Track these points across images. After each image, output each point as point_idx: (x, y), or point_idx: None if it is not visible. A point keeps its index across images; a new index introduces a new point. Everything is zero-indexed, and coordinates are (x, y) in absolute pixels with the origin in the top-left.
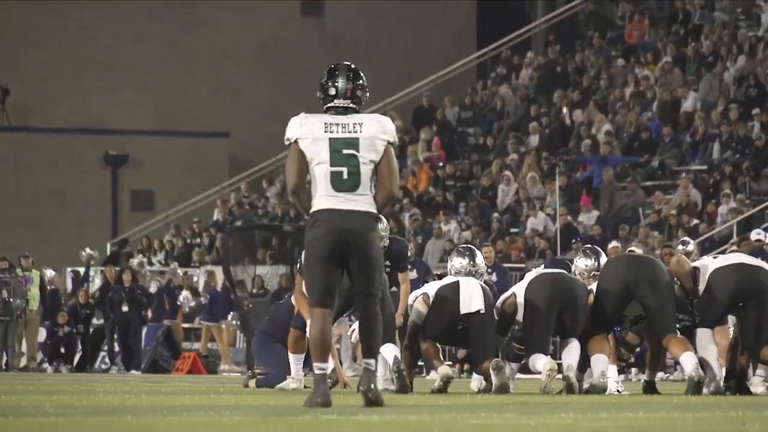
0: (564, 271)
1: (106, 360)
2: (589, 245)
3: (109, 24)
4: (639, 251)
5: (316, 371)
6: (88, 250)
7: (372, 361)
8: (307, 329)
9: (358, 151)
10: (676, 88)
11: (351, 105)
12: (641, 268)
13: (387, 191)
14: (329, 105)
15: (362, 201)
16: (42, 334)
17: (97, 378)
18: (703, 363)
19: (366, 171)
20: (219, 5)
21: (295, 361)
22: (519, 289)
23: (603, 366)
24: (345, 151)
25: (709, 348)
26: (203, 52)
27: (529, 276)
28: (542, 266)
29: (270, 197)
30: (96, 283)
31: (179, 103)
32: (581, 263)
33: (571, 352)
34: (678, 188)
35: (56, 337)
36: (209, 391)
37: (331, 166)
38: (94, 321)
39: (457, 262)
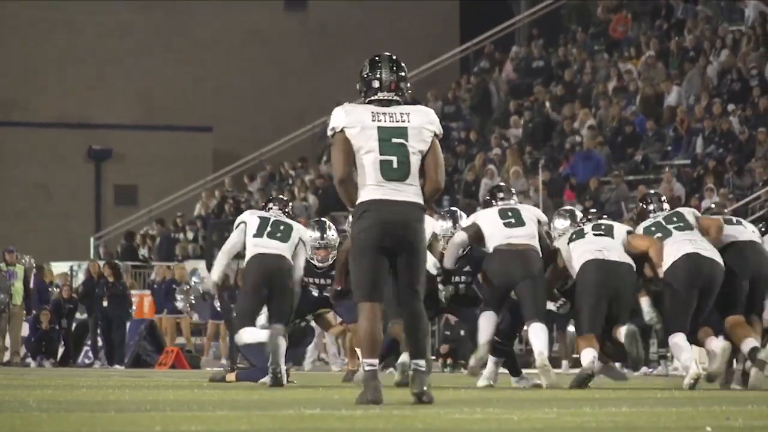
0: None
1: (90, 355)
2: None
3: (94, 17)
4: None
5: (366, 368)
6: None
7: (421, 362)
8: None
9: (407, 141)
10: (659, 83)
11: (395, 98)
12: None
13: (434, 183)
14: (372, 98)
15: (411, 191)
16: (25, 329)
17: (81, 373)
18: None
19: (415, 161)
20: None
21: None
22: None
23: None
24: (394, 140)
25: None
26: (187, 45)
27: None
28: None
29: (253, 191)
30: (79, 278)
31: (163, 97)
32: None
33: (540, 337)
34: (661, 183)
35: (39, 332)
36: (192, 386)
37: (381, 154)
38: (77, 315)
39: (559, 223)
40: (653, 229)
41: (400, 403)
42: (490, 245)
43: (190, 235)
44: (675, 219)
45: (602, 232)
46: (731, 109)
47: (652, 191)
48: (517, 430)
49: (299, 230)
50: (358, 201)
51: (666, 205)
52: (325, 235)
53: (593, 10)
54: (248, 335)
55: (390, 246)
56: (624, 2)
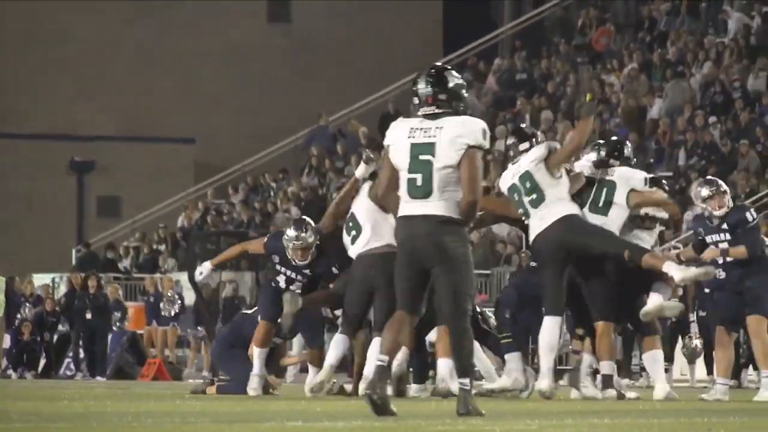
0: None
1: (71, 366)
2: None
3: (78, 30)
4: None
5: (377, 362)
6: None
7: (466, 380)
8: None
9: (433, 156)
10: (641, 96)
11: (436, 111)
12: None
13: (465, 197)
14: (418, 114)
15: (434, 207)
16: (6, 341)
17: (62, 384)
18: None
19: (441, 176)
20: (186, 11)
21: (259, 355)
22: None
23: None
24: (422, 157)
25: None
26: (170, 58)
27: None
28: None
29: (236, 203)
30: (61, 290)
31: (145, 108)
32: None
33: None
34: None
35: (21, 343)
36: (174, 398)
37: (409, 172)
38: (60, 327)
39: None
40: None
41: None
42: None
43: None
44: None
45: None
46: (712, 122)
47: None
48: None
49: None
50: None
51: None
52: (302, 235)
53: (576, 22)
54: None
55: (421, 260)
56: (607, 15)
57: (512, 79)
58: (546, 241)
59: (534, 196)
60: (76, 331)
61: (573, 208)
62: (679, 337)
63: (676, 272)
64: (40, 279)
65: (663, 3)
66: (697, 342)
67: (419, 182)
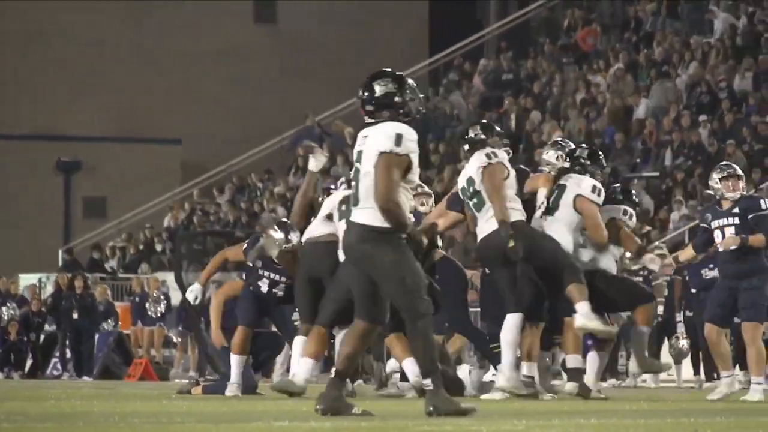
0: None
1: (58, 366)
2: None
3: (65, 30)
4: None
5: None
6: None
7: (428, 381)
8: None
9: (361, 164)
10: (627, 96)
11: (371, 120)
12: None
13: (376, 204)
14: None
15: (360, 214)
16: None
17: (49, 384)
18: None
19: (364, 185)
20: (172, 12)
21: (237, 363)
22: None
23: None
24: (357, 165)
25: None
26: (157, 58)
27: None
28: None
29: (222, 203)
30: (48, 290)
31: (132, 109)
32: None
33: None
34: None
35: (7, 343)
36: (161, 398)
37: (352, 180)
38: (46, 327)
39: None
40: None
41: (378, 414)
42: None
43: (159, 247)
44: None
45: None
46: (702, 119)
47: None
48: None
49: None
50: None
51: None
52: (289, 237)
53: (562, 22)
54: None
55: (360, 268)
56: (593, 16)
57: (498, 80)
58: (488, 246)
59: (476, 200)
60: (63, 331)
61: (514, 215)
62: (666, 338)
63: (580, 317)
64: (27, 279)
65: (648, 3)
66: (684, 342)
67: (354, 190)
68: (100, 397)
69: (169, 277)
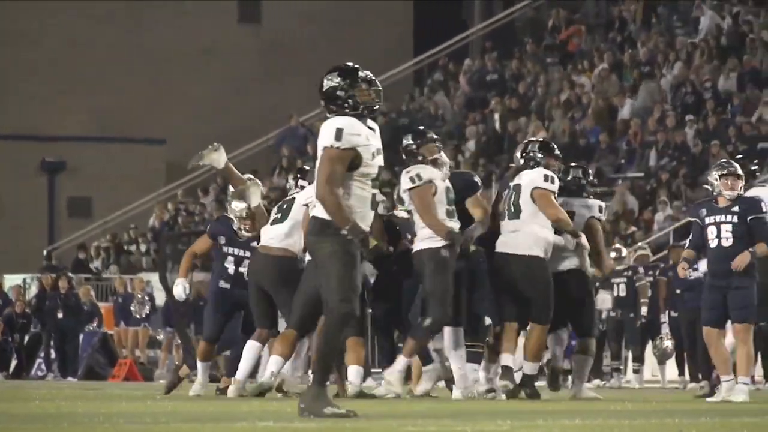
0: None
1: (43, 367)
2: None
3: (48, 30)
4: None
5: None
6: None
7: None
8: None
9: (317, 160)
10: (612, 96)
11: (328, 116)
12: None
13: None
14: None
15: (315, 208)
16: None
17: (34, 385)
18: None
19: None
20: (156, 12)
21: (203, 370)
22: None
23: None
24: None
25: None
26: (141, 58)
27: None
28: None
29: (206, 204)
30: (32, 291)
31: (116, 109)
32: None
33: None
34: (614, 195)
35: None
36: (146, 398)
37: None
38: (31, 328)
39: None
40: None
41: (363, 415)
42: None
43: (143, 247)
44: None
45: None
46: (689, 119)
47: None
48: None
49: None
50: None
51: None
52: (246, 203)
53: (547, 23)
54: None
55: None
56: (577, 16)
57: (483, 80)
58: (421, 257)
59: (411, 217)
60: (47, 331)
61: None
62: (650, 338)
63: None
64: (11, 280)
65: (633, 3)
66: (668, 343)
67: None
68: (85, 398)
69: (153, 277)
